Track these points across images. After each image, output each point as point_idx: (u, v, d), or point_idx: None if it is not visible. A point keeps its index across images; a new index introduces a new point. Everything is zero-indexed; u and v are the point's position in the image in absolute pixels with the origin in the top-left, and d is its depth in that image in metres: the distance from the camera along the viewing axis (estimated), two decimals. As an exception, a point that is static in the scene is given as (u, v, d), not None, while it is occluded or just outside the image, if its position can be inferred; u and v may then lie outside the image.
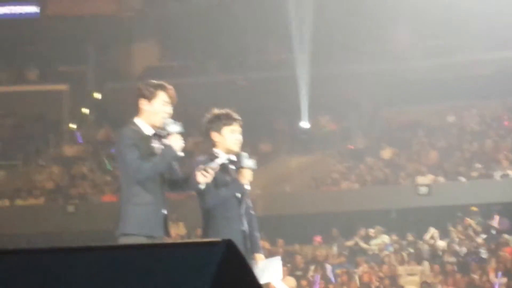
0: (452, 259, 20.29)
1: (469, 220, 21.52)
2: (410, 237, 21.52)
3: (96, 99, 30.84)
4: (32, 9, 30.78)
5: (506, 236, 21.03)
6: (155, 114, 6.35)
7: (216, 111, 6.86)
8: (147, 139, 6.33)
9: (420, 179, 23.41)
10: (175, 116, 6.46)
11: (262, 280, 6.60)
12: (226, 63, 29.68)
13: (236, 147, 6.80)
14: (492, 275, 19.15)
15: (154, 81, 6.51)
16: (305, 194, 24.30)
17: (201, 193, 6.60)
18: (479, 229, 21.43)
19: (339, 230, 22.16)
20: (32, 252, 3.61)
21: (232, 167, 6.78)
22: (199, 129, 7.05)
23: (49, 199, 25.45)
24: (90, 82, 30.97)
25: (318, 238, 22.30)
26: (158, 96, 6.38)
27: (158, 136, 6.37)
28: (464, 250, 20.65)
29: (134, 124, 6.38)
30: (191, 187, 6.56)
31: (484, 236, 21.20)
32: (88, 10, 30.36)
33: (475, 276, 19.11)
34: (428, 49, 27.53)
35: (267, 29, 28.24)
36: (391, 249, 21.15)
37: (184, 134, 6.40)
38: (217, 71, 29.80)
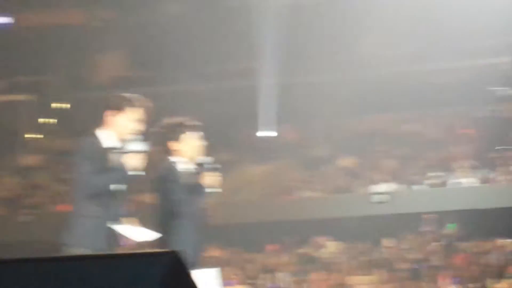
0: (405, 266, 20.45)
1: (423, 228, 21.71)
2: (363, 245, 21.66)
3: (61, 109, 30.87)
4: (5, 20, 30.82)
5: (459, 243, 21.23)
6: (118, 127, 6.13)
7: (171, 120, 6.67)
8: (104, 152, 6.08)
9: (377, 187, 23.56)
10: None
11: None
12: (190, 72, 29.77)
13: (197, 154, 6.59)
14: (444, 282, 19.34)
15: (125, 95, 6.27)
16: (262, 203, 24.34)
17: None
18: (432, 236, 21.62)
19: (293, 239, 22.26)
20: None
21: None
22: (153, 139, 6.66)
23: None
24: (55, 91, 30.97)
25: (270, 247, 22.41)
26: (125, 111, 6.14)
27: (119, 149, 6.10)
28: (417, 257, 20.82)
29: (94, 136, 6.13)
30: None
31: (437, 243, 21.39)
32: (57, 20, 30.45)
33: (427, 284, 19.27)
34: (387, 58, 27.67)
35: (231, 39, 28.37)
36: (343, 257, 21.29)
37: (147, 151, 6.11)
38: (183, 80, 29.88)
